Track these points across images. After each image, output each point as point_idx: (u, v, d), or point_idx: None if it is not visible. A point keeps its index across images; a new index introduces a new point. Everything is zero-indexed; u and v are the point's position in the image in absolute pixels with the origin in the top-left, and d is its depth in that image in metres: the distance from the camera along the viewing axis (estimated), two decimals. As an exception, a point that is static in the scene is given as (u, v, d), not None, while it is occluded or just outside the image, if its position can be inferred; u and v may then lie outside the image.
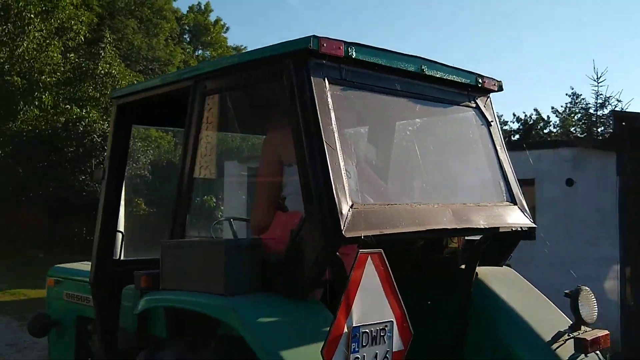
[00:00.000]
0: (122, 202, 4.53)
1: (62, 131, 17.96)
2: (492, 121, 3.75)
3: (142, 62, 28.74)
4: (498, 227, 3.45)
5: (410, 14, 63.72)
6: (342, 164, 2.82)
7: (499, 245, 3.73)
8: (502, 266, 3.83)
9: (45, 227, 19.93)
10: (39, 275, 7.80)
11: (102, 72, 18.40)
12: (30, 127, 18.03)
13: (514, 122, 26.87)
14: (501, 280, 3.69)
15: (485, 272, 3.68)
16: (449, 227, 3.15)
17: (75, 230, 18.91)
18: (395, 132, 3.92)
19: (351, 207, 2.75)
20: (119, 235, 4.37)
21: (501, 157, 3.72)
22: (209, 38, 41.33)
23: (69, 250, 17.25)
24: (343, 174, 2.80)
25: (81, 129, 17.74)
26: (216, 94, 3.37)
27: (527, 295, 3.67)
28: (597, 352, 3.34)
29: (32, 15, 16.82)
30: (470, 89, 3.70)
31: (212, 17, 42.23)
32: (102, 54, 18.76)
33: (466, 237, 3.78)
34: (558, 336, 3.33)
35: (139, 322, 3.55)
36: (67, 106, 17.94)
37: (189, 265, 3.18)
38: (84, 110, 17.83)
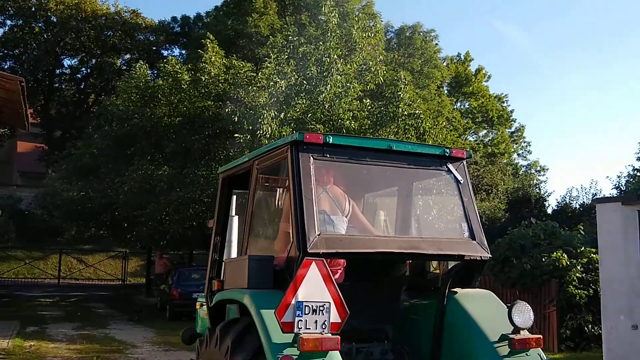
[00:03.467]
0: (235, 239, 6.06)
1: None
2: (461, 180, 5.16)
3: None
4: (445, 254, 4.97)
5: None
6: (315, 208, 4.52)
7: (467, 271, 5.15)
8: (475, 287, 5.27)
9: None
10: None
11: (405, 113, 16.51)
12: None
13: None
14: (475, 298, 5.08)
15: (463, 292, 5.11)
16: (396, 251, 4.79)
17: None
18: (371, 190, 5.92)
19: (318, 235, 4.45)
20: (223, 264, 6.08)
21: (467, 206, 5.08)
22: (470, 88, 38.89)
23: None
24: (315, 215, 4.50)
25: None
26: (263, 168, 5.29)
27: (491, 309, 4.97)
28: (540, 351, 4.70)
29: (335, 57, 15.64)
30: (441, 158, 5.18)
31: (472, 67, 39.94)
32: (401, 94, 16.93)
33: (448, 265, 5.30)
34: (501, 338, 4.71)
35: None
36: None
37: (235, 273, 5.12)
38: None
